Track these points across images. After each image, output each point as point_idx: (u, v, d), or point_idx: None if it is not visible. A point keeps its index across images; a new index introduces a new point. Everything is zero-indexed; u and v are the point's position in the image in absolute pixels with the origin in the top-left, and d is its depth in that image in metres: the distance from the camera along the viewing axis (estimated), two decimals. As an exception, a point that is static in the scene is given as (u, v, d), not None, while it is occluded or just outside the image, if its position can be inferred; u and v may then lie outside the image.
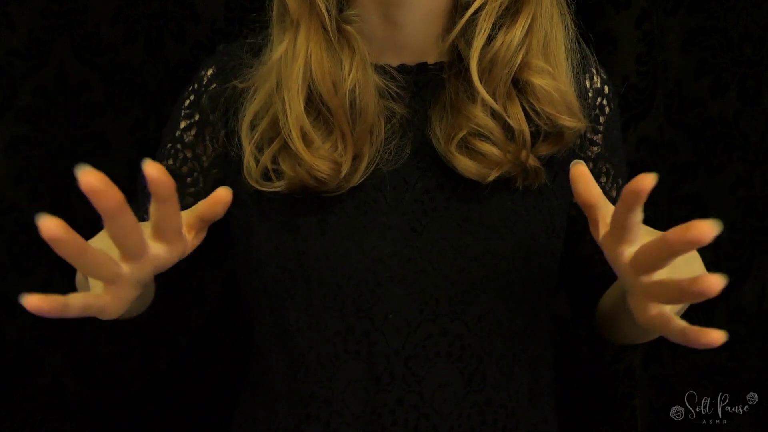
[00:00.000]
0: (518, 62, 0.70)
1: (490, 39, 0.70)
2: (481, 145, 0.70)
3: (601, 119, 0.79)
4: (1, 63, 1.07)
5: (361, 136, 0.70)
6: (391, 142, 0.72)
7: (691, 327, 0.49)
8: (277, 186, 0.71)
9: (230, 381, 1.07)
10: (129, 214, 0.48)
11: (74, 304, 0.49)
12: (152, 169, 0.46)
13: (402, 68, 0.74)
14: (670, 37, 1.03)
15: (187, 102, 0.80)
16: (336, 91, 0.70)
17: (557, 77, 0.71)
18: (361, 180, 0.71)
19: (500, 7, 0.70)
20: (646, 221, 0.55)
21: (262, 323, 0.76)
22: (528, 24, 0.70)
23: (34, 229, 1.25)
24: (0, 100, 1.07)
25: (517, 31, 0.70)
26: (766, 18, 1.00)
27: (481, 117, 0.70)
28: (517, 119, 0.70)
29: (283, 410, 0.74)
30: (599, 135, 0.79)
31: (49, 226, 0.47)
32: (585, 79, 0.78)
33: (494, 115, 0.70)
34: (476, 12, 0.70)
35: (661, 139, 1.03)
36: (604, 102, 0.80)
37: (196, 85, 0.80)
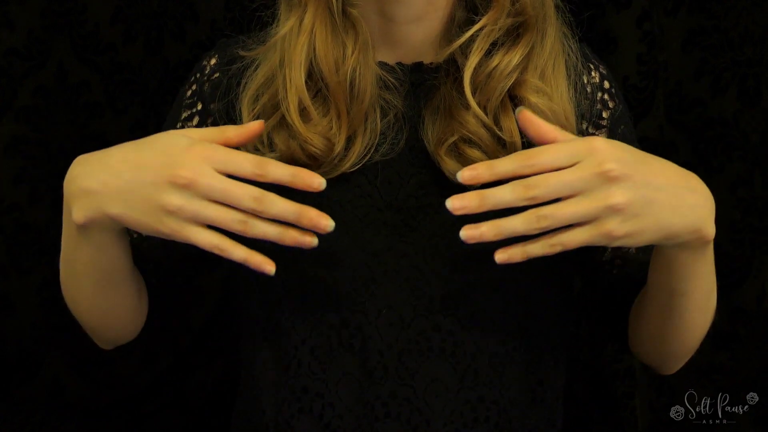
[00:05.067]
0: (513, 80, 0.70)
1: (489, 53, 0.71)
2: (470, 151, 0.70)
3: (604, 114, 0.78)
4: (1, 63, 1.07)
5: (356, 117, 0.71)
6: (387, 135, 0.73)
7: None
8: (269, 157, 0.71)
9: (230, 381, 1.07)
10: None
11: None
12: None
13: (398, 66, 0.75)
14: (671, 37, 1.03)
15: (189, 92, 0.80)
16: (337, 69, 0.71)
17: (553, 99, 0.72)
18: (355, 168, 0.71)
19: (500, 30, 0.71)
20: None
21: (253, 317, 0.76)
22: (528, 50, 0.71)
23: (34, 229, 1.25)
24: (0, 100, 1.07)
25: (516, 55, 0.71)
26: (766, 18, 1.00)
27: (472, 124, 0.70)
28: (510, 131, 0.70)
29: (270, 406, 0.74)
30: (603, 130, 0.78)
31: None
32: (583, 74, 0.78)
33: (485, 124, 0.70)
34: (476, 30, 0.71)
35: (661, 139, 1.03)
36: (606, 97, 0.79)
37: (198, 75, 0.80)
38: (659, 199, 0.58)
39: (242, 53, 0.76)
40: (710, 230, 0.61)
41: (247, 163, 0.60)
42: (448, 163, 0.70)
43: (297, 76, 0.71)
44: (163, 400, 1.09)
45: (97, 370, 1.09)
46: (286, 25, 0.73)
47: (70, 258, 0.72)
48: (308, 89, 0.71)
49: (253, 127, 0.64)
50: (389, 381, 0.70)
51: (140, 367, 1.08)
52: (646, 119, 1.03)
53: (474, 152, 0.70)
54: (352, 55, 0.71)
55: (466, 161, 0.70)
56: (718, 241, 1.03)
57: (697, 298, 0.69)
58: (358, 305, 0.71)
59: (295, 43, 0.72)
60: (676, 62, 1.03)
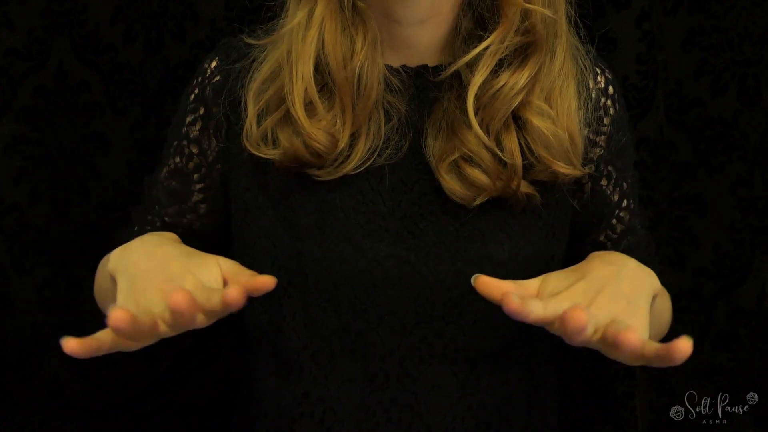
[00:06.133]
0: (518, 101, 0.69)
1: (495, 72, 0.70)
2: (470, 170, 0.70)
3: (605, 120, 0.78)
4: (1, 63, 1.07)
5: (361, 113, 0.71)
6: (390, 140, 0.72)
7: (662, 346, 0.53)
8: (272, 154, 0.71)
9: (230, 381, 1.07)
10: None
11: (105, 340, 0.56)
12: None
13: (403, 69, 0.75)
14: (670, 36, 1.03)
15: (192, 96, 0.80)
16: (345, 65, 0.70)
17: (557, 123, 0.71)
18: (357, 171, 0.71)
19: (507, 48, 0.70)
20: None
21: (255, 322, 0.76)
22: (536, 71, 0.70)
23: (34, 229, 1.25)
24: (0, 100, 1.07)
25: (523, 76, 0.69)
26: (766, 18, 1.00)
27: (473, 143, 0.69)
28: (511, 152, 0.69)
29: (272, 410, 0.74)
30: (603, 137, 0.78)
31: (120, 316, 0.53)
32: (589, 79, 0.77)
33: (486, 145, 0.70)
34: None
35: (661, 139, 1.03)
36: (609, 103, 0.79)
37: (199, 78, 0.80)
38: (630, 302, 0.61)
39: (249, 40, 0.76)
40: (658, 287, 0.66)
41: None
42: (448, 182, 0.70)
43: (305, 68, 0.70)
44: (163, 400, 1.09)
45: (97, 370, 1.09)
46: (295, 18, 0.72)
47: (101, 283, 0.76)
48: (314, 83, 0.71)
49: (265, 282, 0.60)
50: (391, 387, 0.70)
51: (140, 367, 1.08)
52: (646, 119, 1.03)
53: (474, 171, 0.69)
54: (361, 51, 0.70)
55: (466, 180, 0.70)
56: (718, 241, 1.04)
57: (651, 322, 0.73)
58: (359, 311, 0.70)
59: (304, 35, 0.71)
60: (676, 62, 1.03)
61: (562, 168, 0.70)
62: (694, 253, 1.04)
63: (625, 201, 0.79)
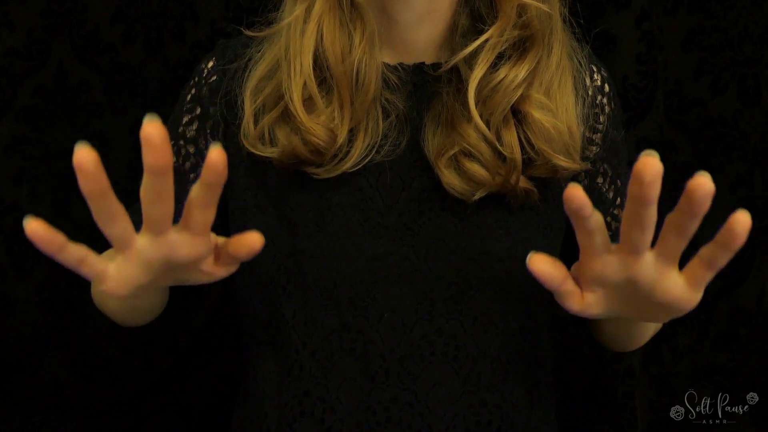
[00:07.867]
0: (518, 95, 0.70)
1: (495, 66, 0.70)
2: (470, 165, 0.70)
3: (601, 118, 0.79)
4: (1, 63, 1.07)
5: (360, 108, 0.71)
6: (388, 137, 0.72)
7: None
8: (270, 152, 0.72)
9: (230, 381, 1.07)
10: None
11: (72, 251, 0.49)
12: (215, 153, 0.49)
13: (400, 66, 0.75)
14: (670, 36, 1.03)
15: (189, 96, 0.80)
16: (343, 59, 0.71)
17: (557, 116, 0.71)
18: (356, 168, 0.71)
19: (506, 42, 0.70)
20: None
21: (254, 321, 0.76)
22: (535, 64, 0.71)
23: (34, 229, 1.21)
24: (0, 100, 1.07)
25: (523, 69, 0.70)
26: (766, 18, 1.00)
27: (473, 137, 0.70)
28: (511, 146, 0.70)
29: (272, 409, 0.74)
30: (599, 134, 0.79)
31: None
32: (585, 76, 0.78)
33: (486, 139, 0.70)
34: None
35: (660, 139, 1.03)
36: (605, 101, 0.79)
37: (196, 78, 0.81)
38: None
39: (248, 32, 0.76)
40: None
41: None
42: (447, 176, 0.70)
43: (305, 62, 0.71)
44: (163, 400, 1.09)
45: (97, 370, 1.09)
46: (292, 13, 0.72)
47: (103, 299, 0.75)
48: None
49: (250, 238, 0.54)
50: (391, 385, 0.70)
51: (140, 367, 1.08)
52: (646, 119, 1.03)
53: (473, 166, 0.70)
54: (359, 46, 0.71)
55: (465, 174, 0.70)
56: (718, 241, 1.04)
57: (653, 327, 0.77)
58: (359, 309, 0.71)
59: (303, 30, 0.72)
60: (676, 62, 1.03)
61: (562, 161, 0.71)
62: (694, 253, 1.04)
63: (619, 199, 0.80)
